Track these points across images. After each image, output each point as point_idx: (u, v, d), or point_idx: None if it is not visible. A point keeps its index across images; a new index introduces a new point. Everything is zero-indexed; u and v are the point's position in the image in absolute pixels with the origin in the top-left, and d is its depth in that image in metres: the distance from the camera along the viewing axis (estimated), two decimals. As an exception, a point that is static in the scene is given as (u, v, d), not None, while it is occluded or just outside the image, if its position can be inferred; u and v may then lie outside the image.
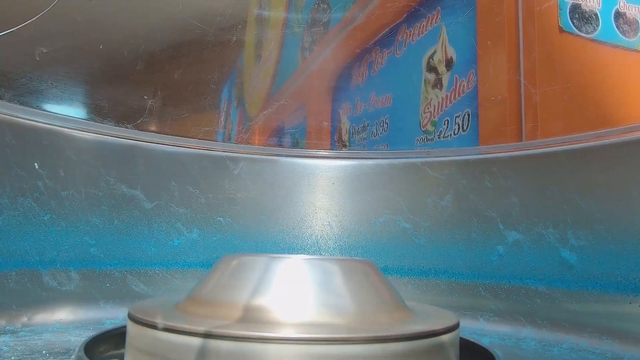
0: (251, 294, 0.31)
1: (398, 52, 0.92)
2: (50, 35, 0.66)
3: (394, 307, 0.34)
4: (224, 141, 0.87)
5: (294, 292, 0.31)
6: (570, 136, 0.67)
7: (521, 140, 0.73)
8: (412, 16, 0.90)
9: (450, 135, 0.81)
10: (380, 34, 0.93)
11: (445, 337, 0.30)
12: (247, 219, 0.77)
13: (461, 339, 0.36)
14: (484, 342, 0.44)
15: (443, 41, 0.85)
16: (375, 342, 0.27)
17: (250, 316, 0.30)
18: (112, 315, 0.63)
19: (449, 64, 0.84)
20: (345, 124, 0.97)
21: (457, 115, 0.81)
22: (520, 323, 0.62)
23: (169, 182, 0.73)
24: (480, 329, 0.63)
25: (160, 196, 0.72)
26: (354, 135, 0.97)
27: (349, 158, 0.83)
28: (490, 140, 0.77)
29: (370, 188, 0.79)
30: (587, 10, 0.70)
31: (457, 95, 0.82)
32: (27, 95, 0.65)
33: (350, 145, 0.96)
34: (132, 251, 0.69)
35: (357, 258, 0.40)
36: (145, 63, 0.67)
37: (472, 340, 0.41)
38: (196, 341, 0.27)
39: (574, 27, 0.70)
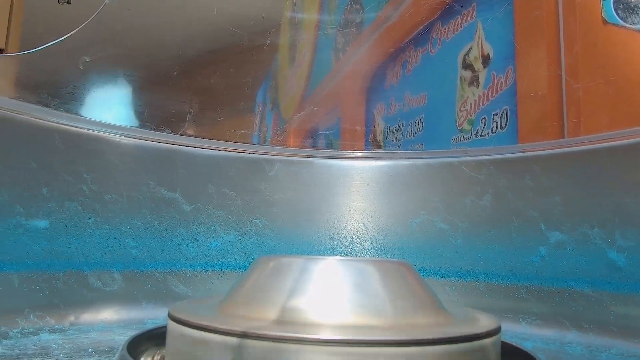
0: (287, 295, 0.31)
1: (432, 50, 0.90)
2: (93, 45, 0.68)
3: (432, 310, 0.34)
4: (259, 143, 0.88)
5: (330, 294, 0.31)
6: (616, 132, 0.64)
7: (563, 137, 0.71)
8: (447, 13, 0.88)
9: (488, 133, 0.79)
10: (414, 33, 0.92)
11: (486, 341, 0.29)
12: (283, 220, 0.78)
13: (503, 342, 0.35)
14: (527, 346, 0.43)
15: (479, 37, 0.83)
16: (414, 345, 0.26)
17: (287, 317, 0.30)
18: (154, 315, 0.64)
19: (485, 60, 0.82)
20: (379, 124, 0.97)
21: (495, 112, 0.79)
22: (565, 327, 0.60)
23: (207, 184, 0.75)
24: (523, 333, 0.61)
25: (198, 199, 0.73)
26: (388, 135, 0.96)
27: (384, 158, 0.83)
28: (530, 137, 0.74)
29: (406, 188, 0.78)
30: (633, 0, 0.67)
31: (494, 93, 0.80)
32: (72, 102, 0.67)
33: (385, 146, 0.96)
34: (172, 253, 0.71)
35: (393, 259, 0.39)
36: (182, 69, 0.69)
37: (514, 344, 0.40)
38: (233, 341, 0.28)
39: (618, 18, 0.67)
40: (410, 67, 0.94)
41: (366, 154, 0.86)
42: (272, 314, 0.30)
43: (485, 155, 0.75)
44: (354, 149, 0.89)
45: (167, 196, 0.71)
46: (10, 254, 0.58)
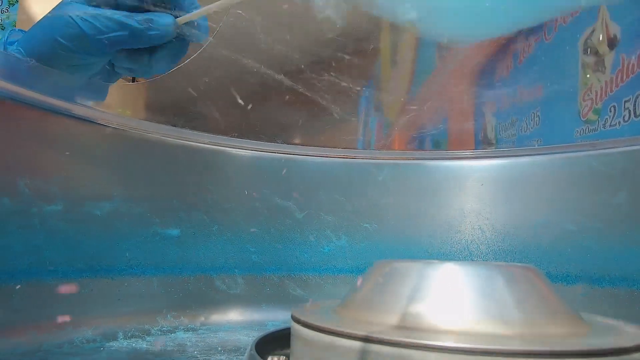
0: (408, 300, 0.30)
1: (547, 37, 0.84)
2: (210, 66, 0.74)
3: (566, 318, 0.31)
4: (364, 148, 0.88)
5: (452, 299, 0.30)
6: None
7: None
8: (563, -4, 0.81)
9: (619, 123, 0.71)
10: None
11: (637, 356, 0.26)
12: (393, 224, 0.77)
13: (655, 357, 0.31)
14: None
15: (603, 18, 0.75)
16: (550, 358, 0.24)
17: (409, 322, 0.30)
18: (274, 317, 0.68)
19: (612, 42, 0.74)
20: (490, 121, 0.92)
21: (626, 99, 0.71)
22: None
23: (318, 191, 0.77)
24: (676, 347, 0.54)
25: (310, 205, 0.76)
26: (501, 132, 0.91)
27: (497, 157, 0.78)
28: (672, 124, 0.65)
29: (525, 187, 0.73)
30: None
31: (624, 77, 0.71)
32: (195, 120, 0.74)
33: (497, 143, 0.91)
34: (287, 258, 0.74)
35: (518, 263, 0.37)
36: (290, 80, 0.72)
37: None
38: (356, 345, 0.28)
39: None
40: (522, 57, 0.88)
41: (478, 153, 0.82)
42: (393, 318, 0.30)
43: (617, 147, 0.67)
44: (464, 148, 0.86)
45: (281, 204, 0.74)
46: (150, 260, 0.64)
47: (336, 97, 0.82)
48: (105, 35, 0.48)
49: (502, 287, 0.31)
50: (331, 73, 0.75)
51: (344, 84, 0.81)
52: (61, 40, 0.48)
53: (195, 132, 0.73)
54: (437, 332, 0.28)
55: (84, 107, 0.60)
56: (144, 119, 0.70)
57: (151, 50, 0.54)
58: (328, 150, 0.80)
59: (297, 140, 0.80)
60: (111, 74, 0.57)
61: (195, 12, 0.54)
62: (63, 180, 0.57)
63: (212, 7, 0.53)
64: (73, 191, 0.58)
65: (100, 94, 0.58)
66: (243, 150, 0.75)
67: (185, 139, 0.71)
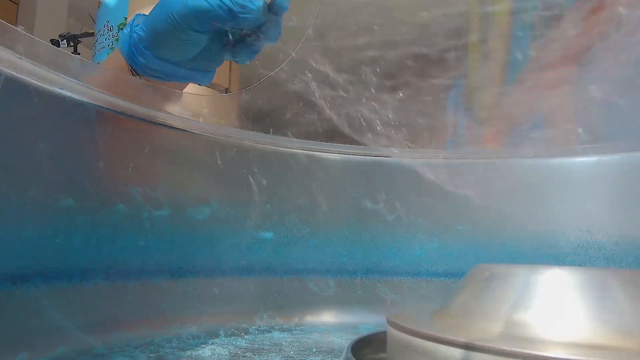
0: (512, 307, 0.29)
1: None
2: (294, 76, 0.76)
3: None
4: (455, 148, 0.85)
5: (561, 307, 0.28)
6: None
7: None
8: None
9: None
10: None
11: None
12: (489, 227, 0.73)
13: None
14: None
15: None
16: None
17: (513, 331, 0.28)
18: (365, 320, 0.68)
19: None
20: (595, 114, 0.84)
21: None
22: None
23: (407, 193, 0.75)
24: None
25: (400, 208, 0.75)
26: (609, 125, 0.83)
27: (607, 152, 0.72)
28: None
29: (642, 185, 0.66)
30: None
31: None
32: (284, 128, 0.76)
33: (604, 138, 0.83)
34: (379, 261, 0.73)
35: (636, 269, 0.33)
36: (379, 81, 0.72)
37: None
38: (457, 352, 0.27)
39: None
40: (636, 41, 0.80)
41: (584, 148, 0.75)
42: (496, 326, 0.28)
43: None
44: (566, 144, 0.79)
45: (371, 207, 0.74)
46: (247, 262, 0.67)
47: (424, 96, 0.80)
48: (208, 13, 0.53)
49: (620, 295, 0.28)
50: (417, 70, 0.74)
51: (431, 82, 0.79)
52: (173, 16, 0.55)
53: (286, 138, 0.75)
54: (544, 342, 0.26)
55: (185, 119, 0.65)
56: (238, 127, 0.73)
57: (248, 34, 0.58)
58: (416, 151, 0.78)
59: (384, 142, 0.80)
60: (216, 56, 0.61)
61: None
62: (168, 187, 0.61)
63: None
64: (177, 197, 0.62)
65: (207, 76, 0.63)
66: (331, 154, 0.76)
67: (277, 145, 0.74)
